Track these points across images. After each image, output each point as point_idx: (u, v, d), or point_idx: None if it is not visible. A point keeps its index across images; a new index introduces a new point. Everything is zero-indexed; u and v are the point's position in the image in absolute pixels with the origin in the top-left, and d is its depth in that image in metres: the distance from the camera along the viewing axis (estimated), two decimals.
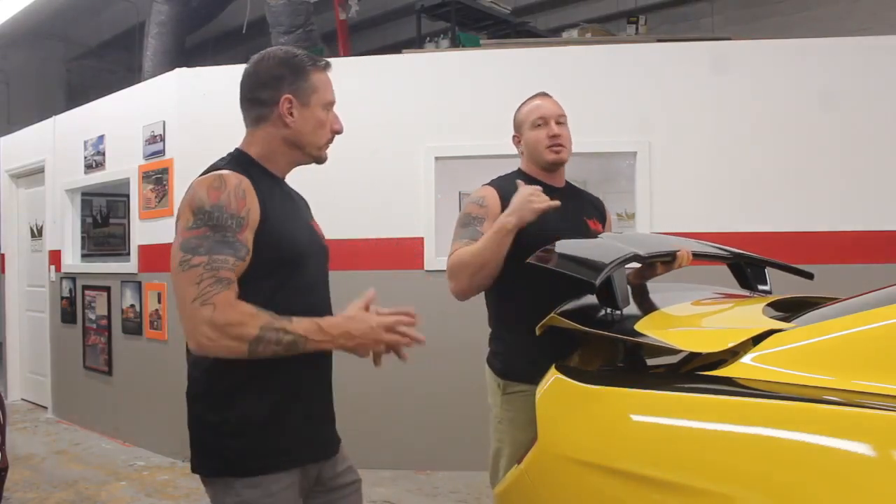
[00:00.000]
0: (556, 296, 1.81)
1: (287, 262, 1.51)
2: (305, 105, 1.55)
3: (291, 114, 1.53)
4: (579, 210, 2.20)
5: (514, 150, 2.25)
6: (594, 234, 2.14)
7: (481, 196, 2.12)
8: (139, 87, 4.83)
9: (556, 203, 1.95)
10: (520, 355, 2.05)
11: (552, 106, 2.17)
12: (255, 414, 1.48)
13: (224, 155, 1.60)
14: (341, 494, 1.66)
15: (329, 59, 1.62)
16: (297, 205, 1.66)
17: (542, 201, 1.92)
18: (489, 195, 2.10)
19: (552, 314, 1.69)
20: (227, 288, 1.38)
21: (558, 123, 2.15)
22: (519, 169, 2.24)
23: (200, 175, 1.52)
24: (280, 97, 1.53)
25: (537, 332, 1.71)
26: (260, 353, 1.40)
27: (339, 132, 1.62)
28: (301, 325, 1.42)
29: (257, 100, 1.55)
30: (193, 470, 1.53)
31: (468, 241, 2.04)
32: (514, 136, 2.24)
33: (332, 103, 1.60)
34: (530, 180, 2.16)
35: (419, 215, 3.98)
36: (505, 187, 2.11)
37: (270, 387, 1.49)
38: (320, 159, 1.62)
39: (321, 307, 1.54)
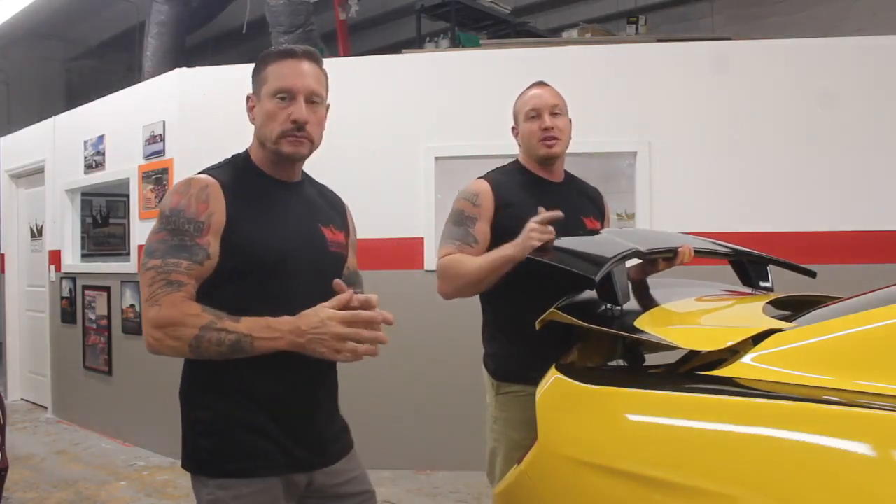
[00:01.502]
0: (551, 297, 1.79)
1: (258, 267, 1.46)
2: (260, 98, 1.53)
3: (252, 110, 1.55)
4: (577, 208, 2.14)
5: (515, 150, 2.21)
6: (592, 233, 2.12)
7: (475, 193, 2.06)
8: (139, 87, 4.83)
9: (558, 215, 1.83)
10: (513, 356, 2.04)
11: (547, 96, 2.10)
12: (222, 415, 1.47)
13: (228, 156, 1.60)
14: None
15: (297, 47, 1.54)
16: (305, 209, 1.59)
17: (543, 233, 1.81)
18: (483, 192, 2.05)
19: (552, 309, 1.68)
20: (177, 290, 1.38)
21: (553, 115, 2.07)
22: (516, 160, 2.19)
23: None
24: (248, 96, 1.56)
25: (537, 327, 1.70)
26: (204, 354, 1.38)
27: (297, 121, 1.48)
28: (247, 324, 1.37)
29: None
30: (181, 465, 1.54)
31: (460, 243, 2.00)
32: (512, 128, 2.19)
33: (282, 90, 1.49)
34: (527, 173, 2.13)
35: (419, 215, 3.97)
36: (501, 182, 2.08)
37: (241, 388, 1.46)
38: (279, 153, 1.51)
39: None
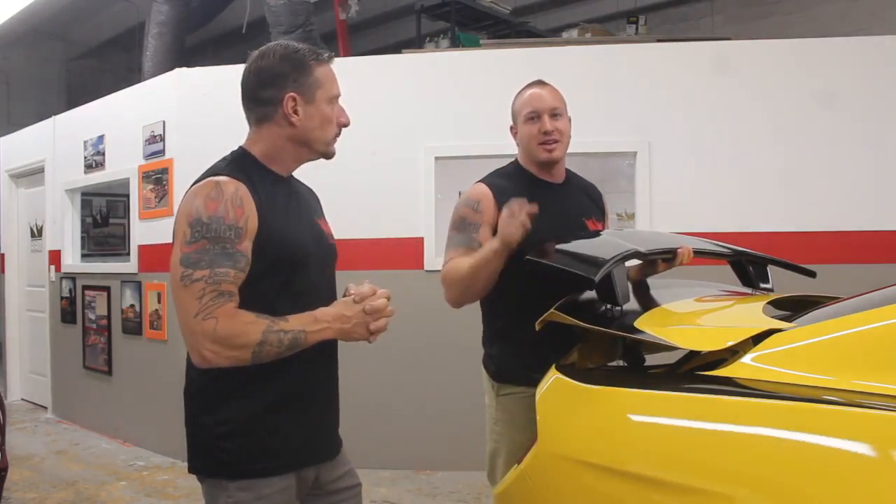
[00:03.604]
0: (551, 298, 1.79)
1: (287, 265, 1.49)
2: (310, 101, 1.51)
3: (296, 112, 1.50)
4: (579, 210, 2.14)
5: (515, 150, 2.19)
6: (592, 234, 2.12)
7: (476, 199, 2.04)
8: (139, 87, 4.83)
9: (533, 209, 1.82)
10: (513, 358, 2.03)
11: (547, 98, 2.06)
12: (248, 416, 1.47)
13: (226, 154, 1.56)
14: (339, 499, 1.64)
15: (331, 54, 1.58)
16: (303, 204, 1.62)
17: (520, 222, 1.81)
18: (484, 198, 2.03)
19: (552, 310, 1.69)
20: (229, 300, 1.38)
21: (553, 116, 2.04)
22: (516, 160, 2.17)
23: (198, 179, 1.48)
24: (283, 95, 1.49)
25: (537, 328, 1.70)
26: (264, 358, 1.39)
27: (345, 125, 1.58)
28: (298, 321, 1.42)
29: (260, 99, 1.52)
30: (189, 469, 1.53)
31: (464, 249, 1.99)
32: (510, 127, 2.16)
33: (337, 97, 1.57)
34: (528, 175, 2.11)
35: (419, 215, 3.97)
36: (502, 187, 2.06)
37: (265, 389, 1.48)
38: (328, 155, 1.59)
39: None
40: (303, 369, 1.51)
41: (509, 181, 2.10)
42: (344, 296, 1.53)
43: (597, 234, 2.10)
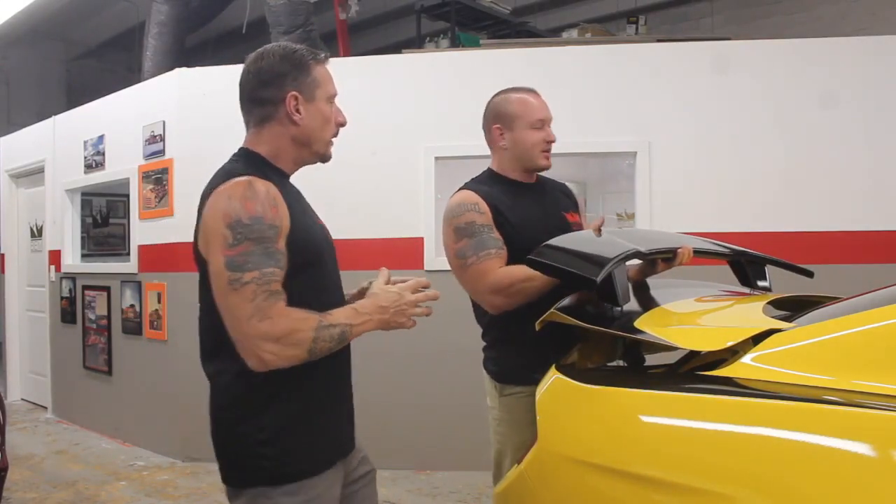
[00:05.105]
0: (551, 298, 1.80)
1: (311, 262, 1.50)
2: (310, 100, 1.52)
3: (298, 111, 1.51)
4: (557, 205, 2.18)
5: None
6: (575, 227, 2.13)
7: (474, 202, 2.02)
8: (139, 87, 4.83)
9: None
10: (514, 358, 2.03)
11: (547, 108, 2.13)
12: (287, 418, 1.46)
13: (230, 156, 1.55)
14: (357, 487, 1.66)
15: (327, 54, 1.59)
16: (306, 203, 1.62)
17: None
18: (479, 200, 2.03)
19: (552, 310, 1.69)
20: (279, 299, 1.37)
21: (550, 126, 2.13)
22: (489, 169, 2.17)
23: (215, 180, 1.46)
24: (285, 95, 1.50)
25: (537, 328, 1.71)
26: (317, 354, 1.40)
27: (343, 124, 1.60)
28: (342, 315, 1.44)
29: (260, 99, 1.51)
30: (226, 482, 1.49)
31: (496, 251, 1.97)
32: (495, 128, 2.12)
33: (334, 96, 1.58)
34: (505, 180, 2.12)
35: (419, 215, 3.98)
36: (485, 192, 2.06)
37: (301, 388, 1.47)
38: (325, 157, 1.59)
39: (339, 304, 1.52)
40: (330, 365, 1.51)
41: (490, 186, 2.10)
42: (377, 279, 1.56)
43: (581, 229, 2.15)
